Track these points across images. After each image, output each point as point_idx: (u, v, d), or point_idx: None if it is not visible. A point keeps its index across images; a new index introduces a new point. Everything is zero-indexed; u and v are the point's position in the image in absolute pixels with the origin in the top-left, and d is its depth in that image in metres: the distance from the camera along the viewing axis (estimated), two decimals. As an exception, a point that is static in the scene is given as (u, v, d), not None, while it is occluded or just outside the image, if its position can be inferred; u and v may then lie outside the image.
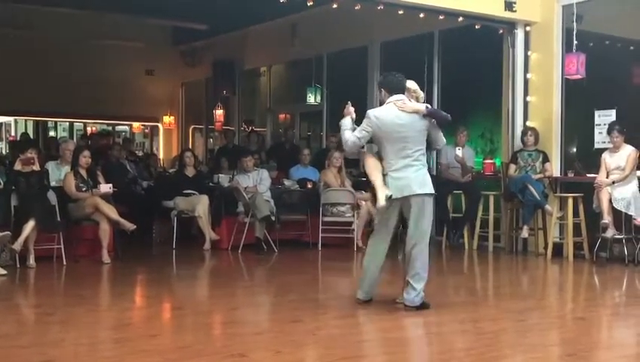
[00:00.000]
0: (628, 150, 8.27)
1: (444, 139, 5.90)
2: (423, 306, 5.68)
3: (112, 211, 8.28)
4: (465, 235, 9.78)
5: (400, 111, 5.62)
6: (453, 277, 8.15)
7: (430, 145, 5.80)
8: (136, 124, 16.91)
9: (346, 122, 5.81)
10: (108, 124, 16.64)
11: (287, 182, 10.22)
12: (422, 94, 5.93)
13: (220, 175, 10.34)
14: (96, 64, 14.57)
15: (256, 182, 9.47)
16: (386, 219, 5.81)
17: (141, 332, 5.19)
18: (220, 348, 4.75)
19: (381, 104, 5.87)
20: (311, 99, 13.09)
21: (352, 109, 5.86)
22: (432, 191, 5.71)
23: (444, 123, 5.75)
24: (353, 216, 9.49)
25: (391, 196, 5.55)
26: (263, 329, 5.34)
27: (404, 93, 5.74)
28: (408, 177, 5.61)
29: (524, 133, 9.31)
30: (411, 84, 5.88)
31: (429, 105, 5.78)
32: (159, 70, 15.89)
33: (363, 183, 10.61)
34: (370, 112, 5.72)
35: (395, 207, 5.71)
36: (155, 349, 4.61)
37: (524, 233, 8.99)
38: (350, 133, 5.74)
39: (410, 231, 5.77)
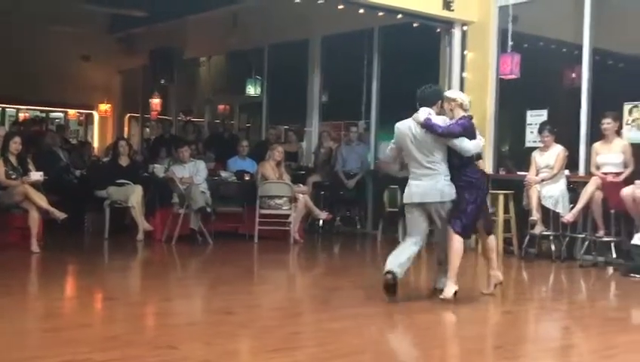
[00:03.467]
0: (557, 149, 8.51)
1: (471, 148, 5.91)
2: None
3: (41, 200, 8.10)
4: (399, 229, 9.90)
5: (416, 122, 5.89)
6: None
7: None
8: (71, 111, 16.56)
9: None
10: (41, 111, 16.23)
11: (224, 174, 10.17)
12: (465, 101, 6.07)
13: (155, 165, 10.22)
14: (31, 49, 14.18)
15: (192, 172, 9.38)
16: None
17: (71, 323, 5.11)
18: (151, 338, 4.71)
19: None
20: (251, 90, 13.06)
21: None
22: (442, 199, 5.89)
23: (443, 135, 5.83)
24: (290, 209, 9.49)
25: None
26: (195, 321, 5.30)
27: (431, 106, 5.94)
28: (420, 185, 5.90)
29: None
30: (452, 94, 6.21)
31: (429, 118, 5.85)
32: (96, 57, 15.57)
33: (301, 177, 10.68)
34: (397, 124, 6.06)
35: (419, 211, 5.98)
36: (85, 339, 4.53)
37: (457, 228, 9.15)
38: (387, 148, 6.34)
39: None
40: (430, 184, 5.87)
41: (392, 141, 6.17)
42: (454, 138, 5.85)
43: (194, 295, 6.48)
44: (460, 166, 5.96)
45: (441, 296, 5.83)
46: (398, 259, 5.85)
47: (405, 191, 6.02)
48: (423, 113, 5.90)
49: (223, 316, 5.29)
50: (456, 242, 5.93)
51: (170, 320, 5.25)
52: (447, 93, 6.24)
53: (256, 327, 5.08)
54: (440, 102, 6.06)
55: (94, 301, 6.12)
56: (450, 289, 5.84)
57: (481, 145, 6.10)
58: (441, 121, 5.89)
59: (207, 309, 5.75)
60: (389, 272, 5.76)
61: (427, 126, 5.83)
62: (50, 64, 14.51)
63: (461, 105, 6.04)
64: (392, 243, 9.69)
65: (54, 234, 8.48)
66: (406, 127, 5.96)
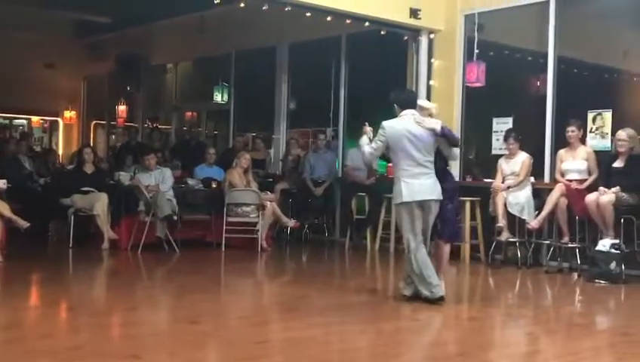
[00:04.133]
0: (522, 156, 8.60)
1: (458, 155, 6.53)
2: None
3: (4, 208, 7.97)
4: (367, 237, 9.92)
5: (415, 123, 6.03)
6: (355, 278, 8.26)
7: (447, 158, 6.31)
8: (35, 118, 16.34)
9: (364, 139, 6.27)
10: (4, 118, 16.00)
11: (190, 181, 10.09)
12: (435, 110, 6.40)
13: (121, 173, 10.11)
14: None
15: (158, 180, 9.29)
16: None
17: (32, 333, 5.02)
18: (114, 348, 4.63)
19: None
20: (218, 97, 12.99)
21: (368, 129, 6.28)
22: (438, 197, 6.08)
23: (455, 143, 6.26)
24: (258, 216, 9.45)
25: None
26: (160, 330, 5.24)
27: (414, 108, 6.16)
28: (422, 183, 6.01)
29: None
30: (425, 103, 6.53)
31: (444, 126, 6.12)
32: (60, 63, 15.37)
33: (268, 184, 10.64)
34: (385, 123, 6.11)
35: (418, 209, 6.03)
36: (46, 350, 4.46)
37: (424, 235, 9.19)
38: (368, 147, 6.21)
39: (425, 233, 6.13)
40: (429, 182, 6.04)
41: (378, 139, 6.10)
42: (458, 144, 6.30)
43: (159, 304, 6.41)
44: (442, 169, 6.23)
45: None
46: (436, 277, 6.06)
47: (403, 190, 5.99)
48: (424, 118, 6.10)
49: (188, 325, 5.23)
50: (446, 248, 6.36)
51: (135, 330, 5.18)
52: (420, 102, 6.45)
53: (221, 336, 5.03)
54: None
55: (57, 311, 6.01)
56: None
57: None
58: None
59: (173, 318, 5.69)
60: (442, 298, 6.02)
61: (445, 134, 6.08)
62: (13, 70, 14.29)
63: (431, 115, 6.25)
64: (360, 251, 9.78)
65: (18, 242, 8.33)
66: (402, 126, 6.05)
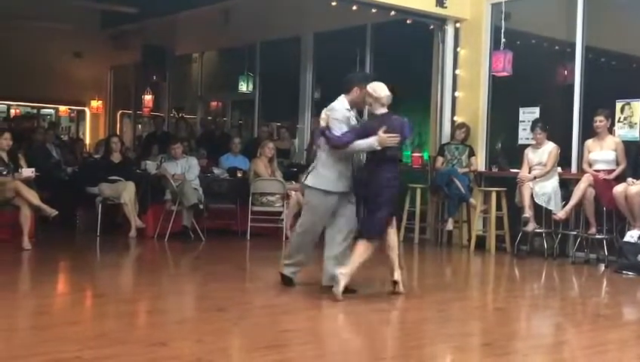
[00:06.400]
0: (549, 146, 8.52)
1: None
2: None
3: (33, 196, 8.06)
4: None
5: None
6: (379, 268, 8.23)
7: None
8: (62, 108, 16.51)
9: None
10: (33, 107, 16.18)
11: (216, 171, 10.15)
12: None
13: (148, 162, 10.20)
14: (22, 45, 14.13)
15: (184, 169, 9.36)
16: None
17: (60, 320, 5.09)
18: (141, 336, 4.69)
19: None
20: (243, 87, 13.02)
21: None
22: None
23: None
24: (283, 206, 9.48)
25: None
26: (186, 318, 5.29)
27: (347, 93, 6.23)
28: None
29: (458, 128, 9.47)
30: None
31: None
32: (87, 53, 15.52)
33: (293, 174, 10.65)
34: None
35: None
36: (74, 337, 4.51)
37: (449, 225, 9.17)
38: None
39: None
40: None
41: None
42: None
43: (185, 292, 6.46)
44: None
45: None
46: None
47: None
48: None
49: (214, 313, 5.28)
50: None
51: (161, 317, 5.23)
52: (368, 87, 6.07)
53: (247, 324, 5.07)
54: (356, 88, 6.11)
55: (85, 298, 6.10)
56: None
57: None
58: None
59: (199, 306, 5.74)
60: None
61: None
62: (41, 60, 14.45)
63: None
64: (384, 241, 9.72)
65: (46, 230, 8.44)
66: None
